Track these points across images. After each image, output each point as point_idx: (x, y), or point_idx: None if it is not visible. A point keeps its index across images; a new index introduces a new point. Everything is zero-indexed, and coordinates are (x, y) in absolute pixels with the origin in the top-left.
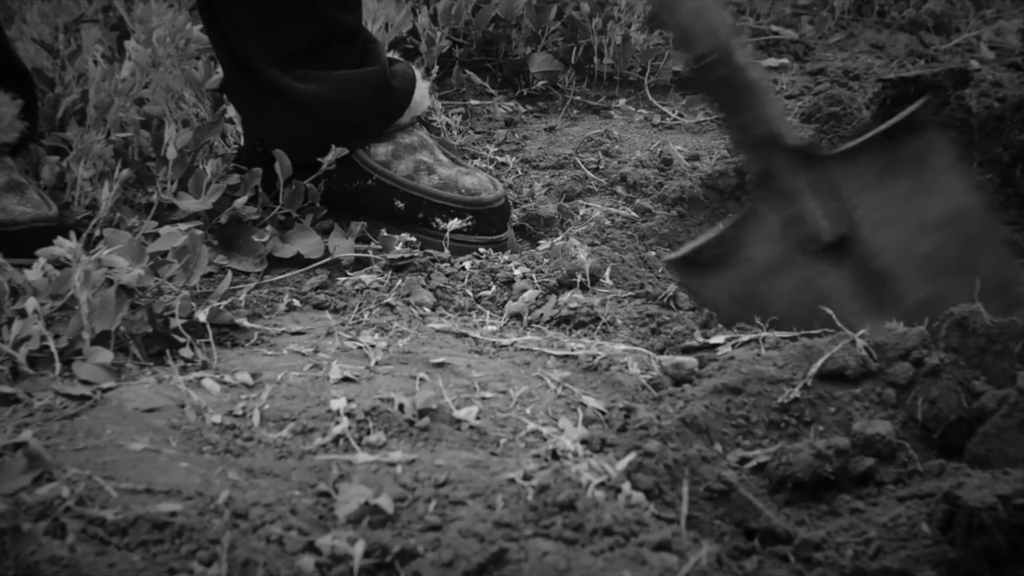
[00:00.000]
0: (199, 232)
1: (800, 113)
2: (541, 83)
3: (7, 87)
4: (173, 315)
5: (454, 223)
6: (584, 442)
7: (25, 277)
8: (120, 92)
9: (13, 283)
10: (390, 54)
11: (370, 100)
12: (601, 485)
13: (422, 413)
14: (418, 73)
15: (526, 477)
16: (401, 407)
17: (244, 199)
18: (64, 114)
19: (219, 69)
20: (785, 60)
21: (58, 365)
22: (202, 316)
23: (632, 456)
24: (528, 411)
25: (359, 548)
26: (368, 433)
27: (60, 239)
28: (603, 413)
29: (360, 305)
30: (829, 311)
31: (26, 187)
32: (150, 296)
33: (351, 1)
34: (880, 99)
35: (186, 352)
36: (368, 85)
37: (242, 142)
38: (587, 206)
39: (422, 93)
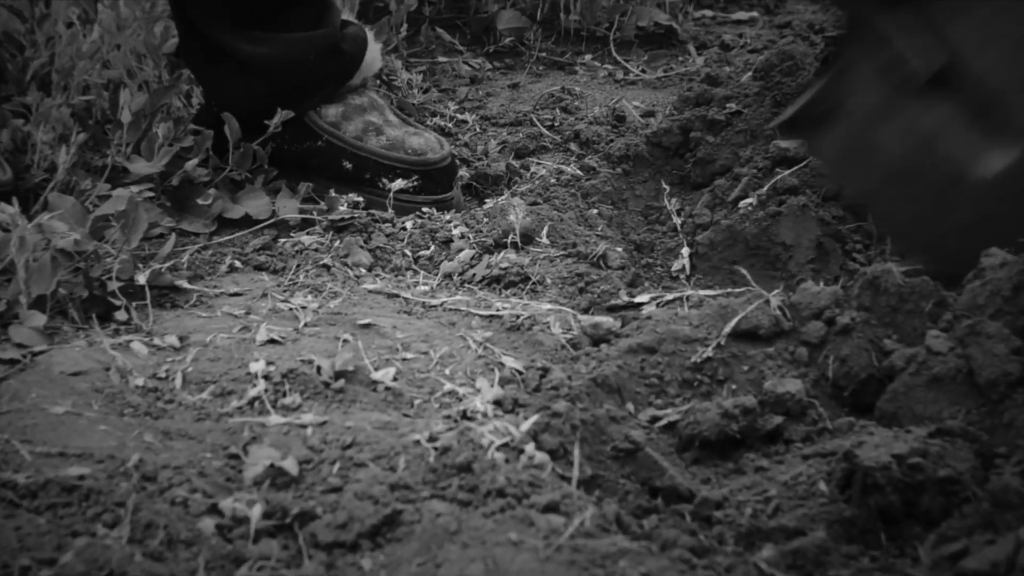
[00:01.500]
0: (140, 195)
1: (755, 70)
2: (508, 40)
3: None
4: (111, 278)
5: (398, 183)
6: (497, 403)
7: None
8: (83, 55)
9: None
10: (363, 14)
11: (319, 62)
12: (504, 446)
13: (339, 375)
14: (370, 35)
15: (431, 439)
16: (319, 369)
17: (195, 161)
18: (32, 77)
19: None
20: (755, 13)
21: None
22: (141, 278)
23: (537, 417)
24: (447, 372)
25: (256, 511)
26: (284, 395)
27: (2, 204)
28: (520, 373)
29: (298, 266)
30: (744, 272)
31: None
32: (91, 260)
33: None
34: (823, 56)
35: (121, 315)
36: (318, 47)
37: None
38: (538, 163)
39: (374, 55)
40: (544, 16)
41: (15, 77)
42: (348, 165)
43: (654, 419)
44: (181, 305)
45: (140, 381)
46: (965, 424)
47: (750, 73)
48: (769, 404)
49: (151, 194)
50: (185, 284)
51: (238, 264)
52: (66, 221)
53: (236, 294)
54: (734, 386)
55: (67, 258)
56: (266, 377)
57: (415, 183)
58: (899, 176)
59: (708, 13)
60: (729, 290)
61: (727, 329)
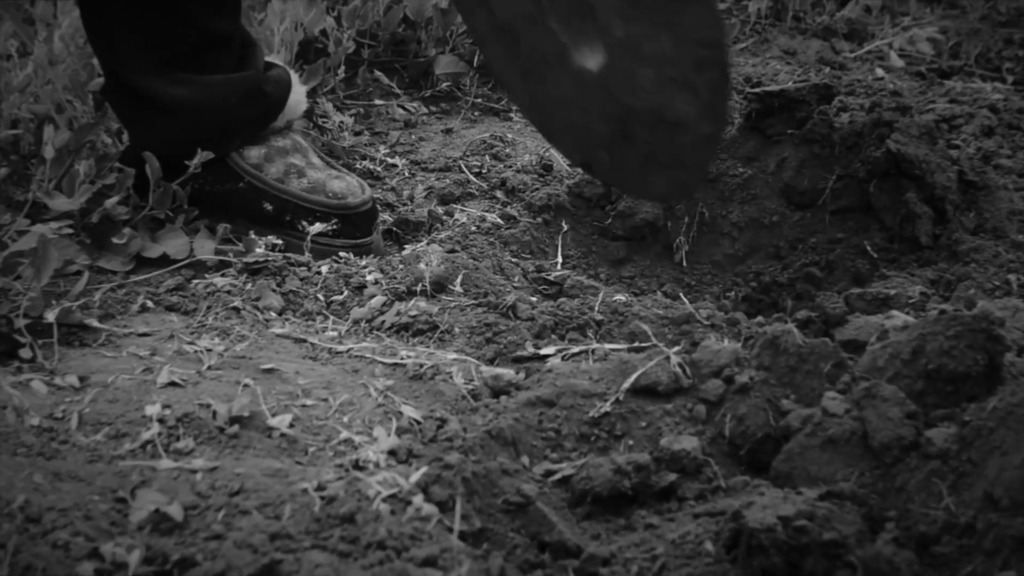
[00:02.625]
0: (59, 231)
1: None
2: (445, 84)
3: None
4: (18, 315)
5: (317, 226)
6: (392, 452)
7: None
8: (13, 89)
9: None
10: (298, 55)
11: (242, 104)
12: (392, 497)
13: (234, 420)
14: (295, 77)
15: (319, 488)
16: (215, 414)
17: (115, 199)
18: None
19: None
20: None
21: None
22: (50, 316)
23: (426, 468)
24: (346, 419)
25: (135, 556)
26: (178, 440)
27: None
28: (418, 423)
29: (208, 307)
30: (645, 328)
31: None
32: None
33: (227, 6)
34: (746, 112)
35: (25, 352)
36: (240, 90)
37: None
38: (461, 210)
39: (298, 97)
40: (481, 62)
41: None
42: (269, 207)
43: (548, 473)
44: (89, 344)
45: (35, 421)
46: (857, 487)
47: None
48: (664, 461)
49: (71, 231)
50: (95, 323)
51: (150, 304)
52: None
53: (144, 334)
54: (631, 441)
55: None
56: (161, 420)
57: (335, 227)
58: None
59: None
60: (634, 344)
61: (626, 384)
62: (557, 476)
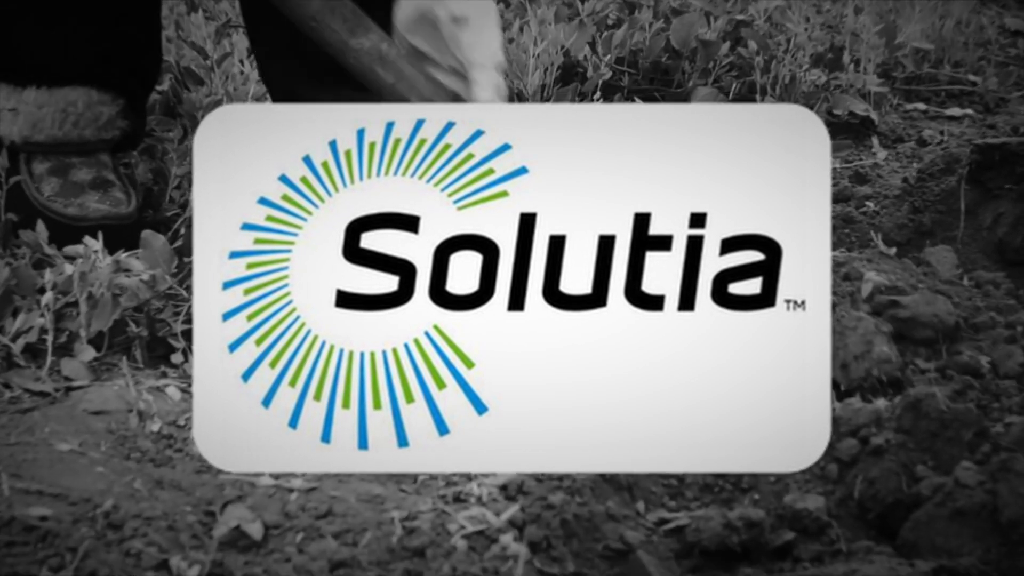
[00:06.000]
0: None
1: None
2: None
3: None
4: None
5: None
6: (503, 488)
7: None
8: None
9: None
10: (563, 78)
11: None
12: (479, 534)
13: None
14: None
15: (408, 518)
16: None
17: None
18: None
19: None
20: (970, 111)
21: None
22: None
23: (520, 506)
24: None
25: (194, 571)
26: None
27: (88, 239)
28: None
29: None
30: None
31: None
32: (164, 300)
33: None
34: (967, 163)
35: (177, 358)
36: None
37: None
38: None
39: None
40: (737, 96)
41: (189, 112)
42: None
43: (662, 521)
44: None
45: (156, 427)
46: (981, 563)
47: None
48: (786, 519)
49: None
50: None
51: None
52: (150, 260)
53: None
54: (757, 496)
55: (132, 298)
56: None
57: None
58: None
59: (921, 106)
60: None
61: None
62: (671, 525)
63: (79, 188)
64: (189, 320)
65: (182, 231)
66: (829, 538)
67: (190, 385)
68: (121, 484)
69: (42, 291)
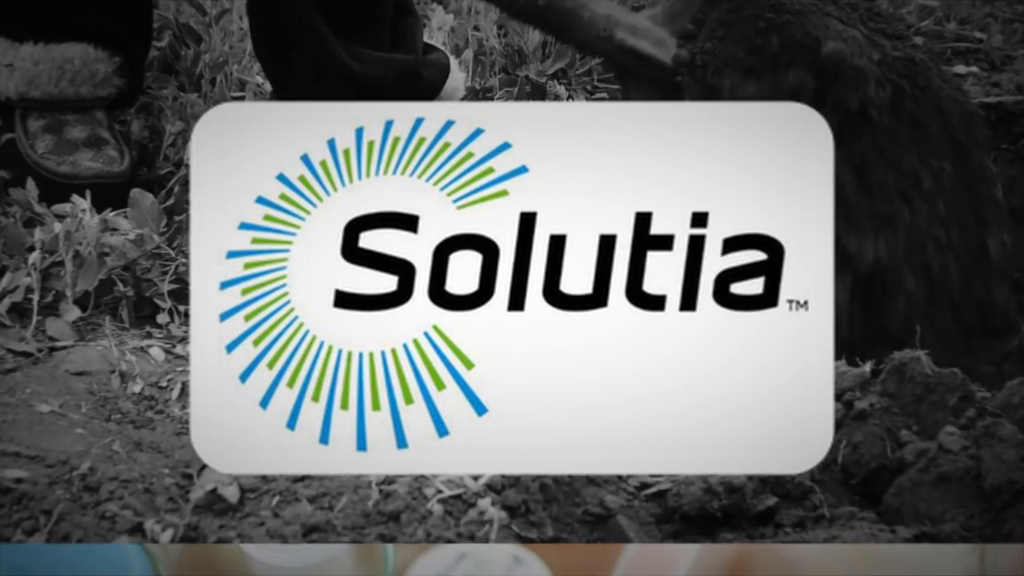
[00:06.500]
0: None
1: None
2: None
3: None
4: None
5: None
6: None
7: None
8: (239, 53)
9: None
10: None
11: (396, 84)
12: (456, 498)
13: None
14: (454, 63)
15: (385, 482)
16: None
17: None
18: (201, 72)
19: None
20: (975, 68)
21: None
22: None
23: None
24: None
25: (167, 535)
26: None
27: (76, 197)
28: None
29: None
30: None
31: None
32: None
33: None
34: None
35: (162, 318)
36: (396, 69)
37: None
38: None
39: (455, 84)
40: None
41: (187, 69)
42: None
43: (643, 486)
44: None
45: (138, 388)
46: (963, 529)
47: None
48: (768, 484)
49: None
50: None
51: None
52: (138, 219)
53: None
54: None
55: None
56: None
57: None
58: None
59: None
60: None
61: None
62: (651, 490)
63: (73, 146)
64: (177, 280)
65: (175, 189)
66: (812, 503)
67: (174, 346)
68: (100, 446)
69: (32, 250)
